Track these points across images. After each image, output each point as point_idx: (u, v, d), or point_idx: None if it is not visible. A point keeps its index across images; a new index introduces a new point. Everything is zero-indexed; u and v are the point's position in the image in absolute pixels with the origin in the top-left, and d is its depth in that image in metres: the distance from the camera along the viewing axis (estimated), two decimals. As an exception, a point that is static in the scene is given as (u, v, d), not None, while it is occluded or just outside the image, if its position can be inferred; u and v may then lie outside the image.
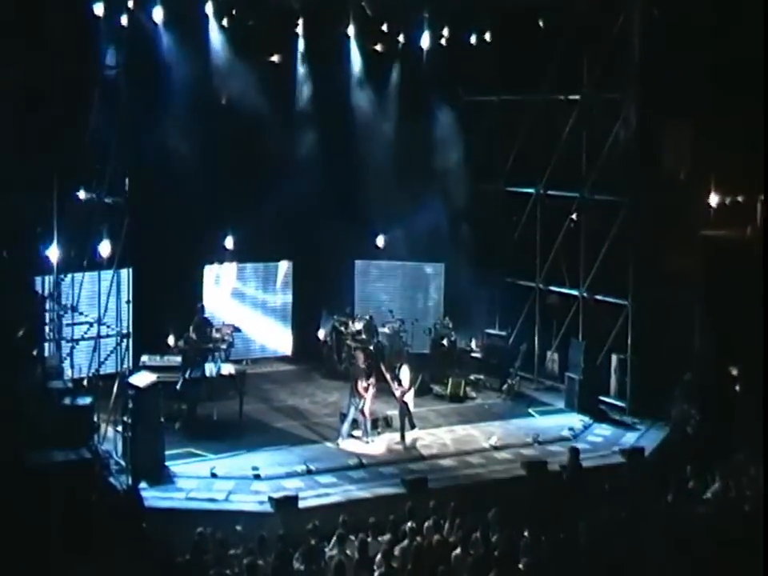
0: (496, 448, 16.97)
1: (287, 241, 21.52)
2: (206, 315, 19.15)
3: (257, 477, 15.36)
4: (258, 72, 20.19)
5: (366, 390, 16.95)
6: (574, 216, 20.36)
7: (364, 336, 20.63)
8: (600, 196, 19.42)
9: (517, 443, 17.24)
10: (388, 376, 17.42)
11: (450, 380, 19.84)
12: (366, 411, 17.03)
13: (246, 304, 21.68)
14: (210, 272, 21.20)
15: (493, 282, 21.85)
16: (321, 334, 21.56)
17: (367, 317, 21.33)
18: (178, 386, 17.52)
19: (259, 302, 21.86)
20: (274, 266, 22.00)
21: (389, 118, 21.62)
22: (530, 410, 19.25)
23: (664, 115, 18.52)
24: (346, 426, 16.98)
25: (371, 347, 20.16)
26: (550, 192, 20.64)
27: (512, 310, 21.47)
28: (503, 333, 21.34)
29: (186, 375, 17.62)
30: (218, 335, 19.06)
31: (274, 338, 22.03)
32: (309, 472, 15.59)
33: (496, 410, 19.25)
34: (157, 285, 18.99)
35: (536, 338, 21.04)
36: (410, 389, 17.40)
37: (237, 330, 20.11)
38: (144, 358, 18.15)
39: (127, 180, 16.02)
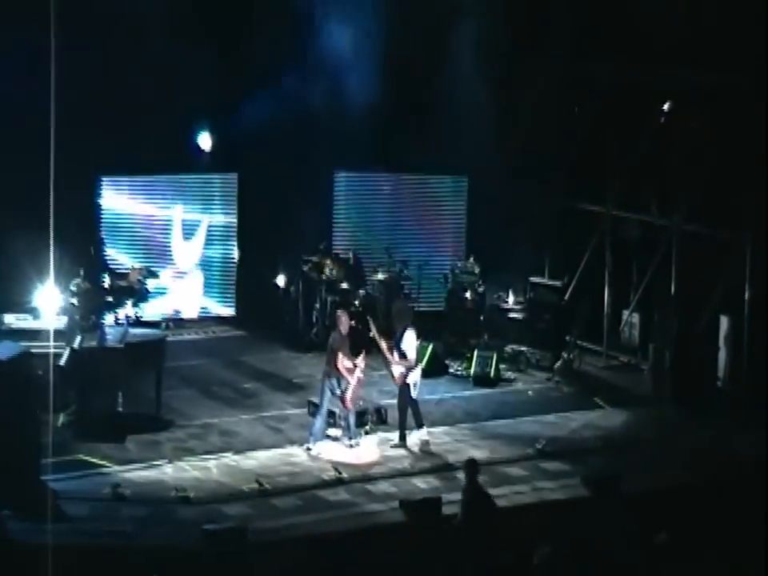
0: (545, 455, 17.00)
1: (228, 141, 21.58)
2: (105, 254, 19.27)
3: (184, 499, 15.28)
4: None
5: (351, 370, 16.90)
6: (666, 106, 20.35)
7: (346, 285, 20.80)
8: (709, 77, 19.22)
9: (576, 449, 17.34)
10: (383, 345, 17.29)
11: (476, 353, 19.91)
12: (349, 400, 16.98)
13: (165, 236, 21.84)
14: (109, 189, 21.33)
15: (541, 205, 21.91)
16: (280, 281, 21.75)
17: (350, 255, 21.53)
18: (62, 361, 17.39)
19: (185, 233, 21.99)
20: (209, 179, 22.12)
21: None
22: (597, 399, 19.36)
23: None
24: (319, 423, 16.95)
25: (357, 302, 20.30)
26: (632, 68, 20.51)
27: (570, 249, 21.64)
28: (557, 282, 21.46)
29: (75, 344, 17.55)
30: (122, 283, 19.15)
31: (209, 288, 22.19)
32: (262, 492, 15.54)
33: (545, 399, 19.45)
34: (25, 206, 18.59)
35: (606, 291, 21.13)
36: (417, 365, 17.31)
37: (152, 274, 20.21)
38: (7, 319, 18.19)
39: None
